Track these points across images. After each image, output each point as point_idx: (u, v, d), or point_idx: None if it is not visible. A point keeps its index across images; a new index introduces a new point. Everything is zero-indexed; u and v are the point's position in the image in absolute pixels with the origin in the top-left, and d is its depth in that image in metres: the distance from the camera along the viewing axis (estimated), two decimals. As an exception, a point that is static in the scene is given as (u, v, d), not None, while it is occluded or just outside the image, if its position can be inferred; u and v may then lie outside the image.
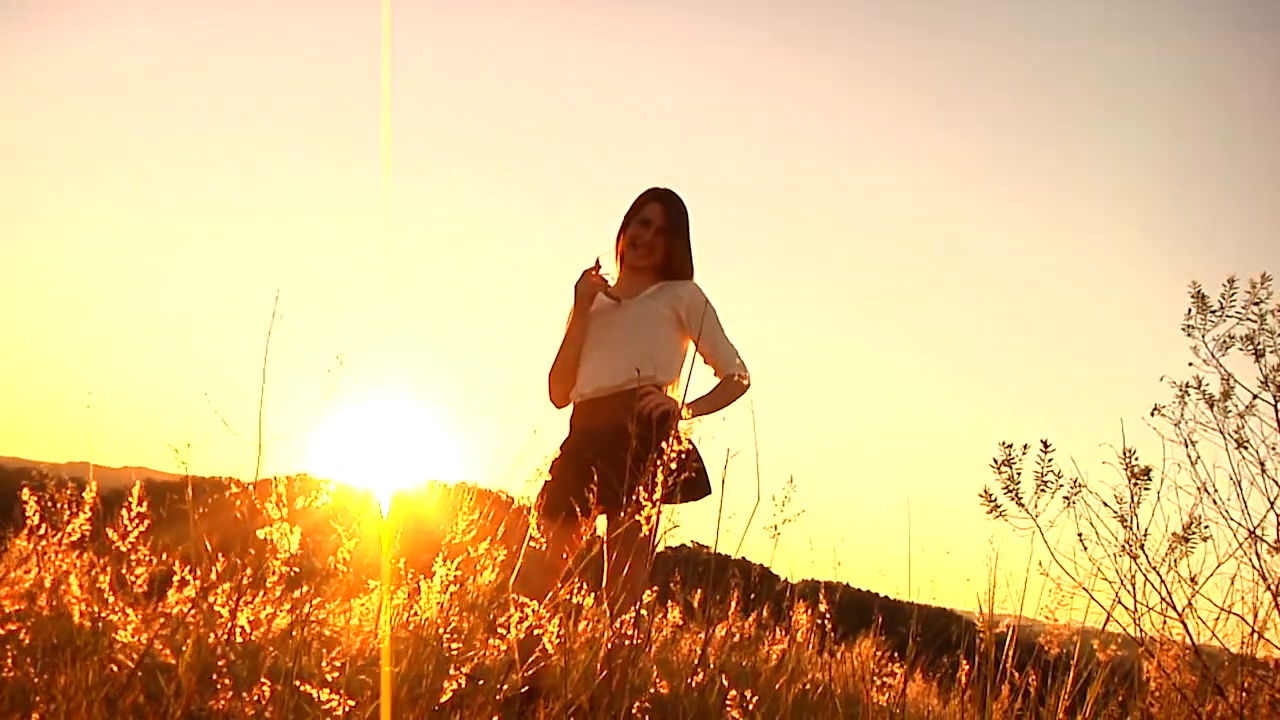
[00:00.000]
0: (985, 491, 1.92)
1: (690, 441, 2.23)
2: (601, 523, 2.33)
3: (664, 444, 1.88)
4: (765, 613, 3.10)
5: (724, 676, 1.93)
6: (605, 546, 2.14)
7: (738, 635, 2.83)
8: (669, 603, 3.23)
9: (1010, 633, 1.94)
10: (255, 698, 1.71)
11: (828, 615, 2.11)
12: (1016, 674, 2.00)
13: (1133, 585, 1.81)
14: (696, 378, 2.39)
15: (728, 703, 1.66)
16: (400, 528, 2.18)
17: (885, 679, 1.97)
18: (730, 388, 2.46)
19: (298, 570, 1.90)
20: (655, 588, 1.74)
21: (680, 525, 1.81)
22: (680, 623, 3.19)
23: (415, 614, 1.90)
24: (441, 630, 1.90)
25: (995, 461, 1.91)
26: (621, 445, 2.15)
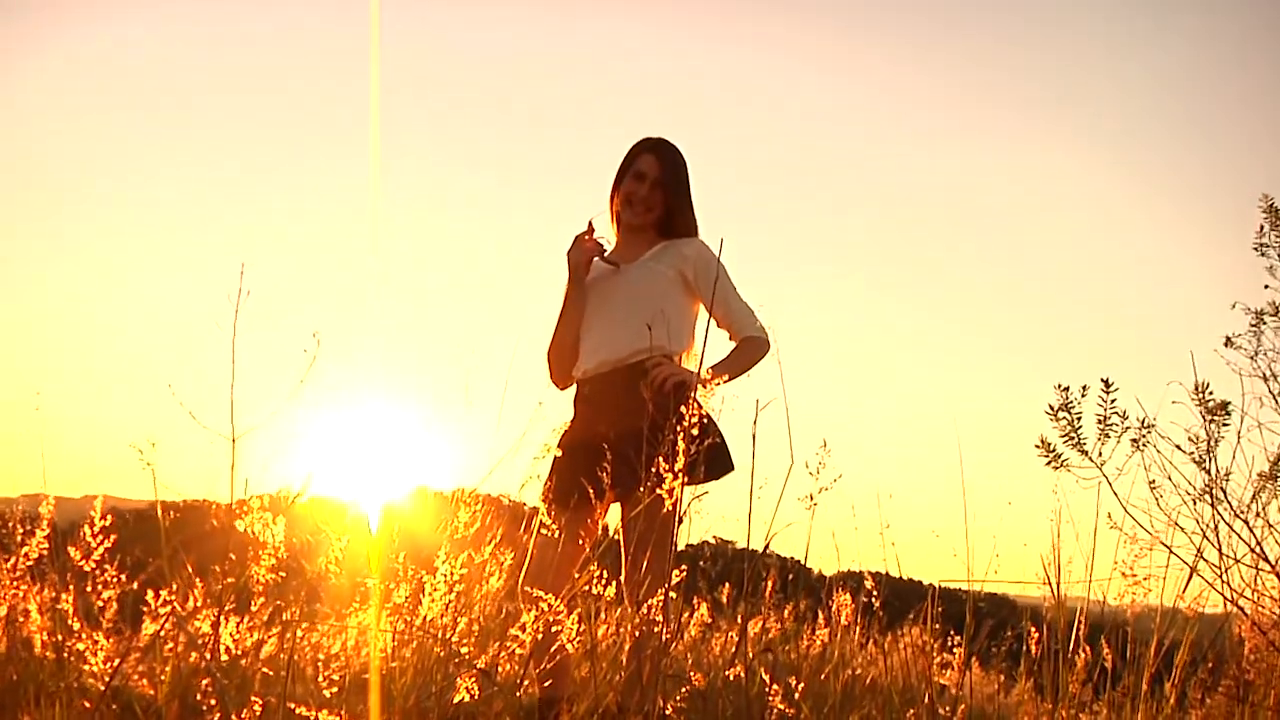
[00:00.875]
0: (1043, 441, 1.85)
1: (708, 415, 2.17)
2: (614, 512, 2.27)
3: (679, 417, 1.81)
4: (802, 605, 3.05)
5: (763, 670, 1.87)
6: (623, 530, 2.07)
7: (773, 630, 2.78)
8: (695, 599, 3.17)
9: (1080, 607, 1.87)
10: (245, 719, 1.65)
11: (875, 594, 2.04)
12: (1088, 648, 1.94)
13: (1216, 535, 1.74)
14: (713, 344, 2.33)
15: (770, 695, 1.59)
16: (392, 541, 2.12)
17: (945, 656, 1.90)
18: (752, 348, 2.39)
19: (284, 575, 1.83)
20: (684, 568, 1.68)
21: (709, 492, 1.74)
22: (709, 620, 3.14)
23: (419, 615, 1.83)
24: (449, 634, 1.83)
25: (1052, 407, 1.84)
26: (634, 421, 2.08)
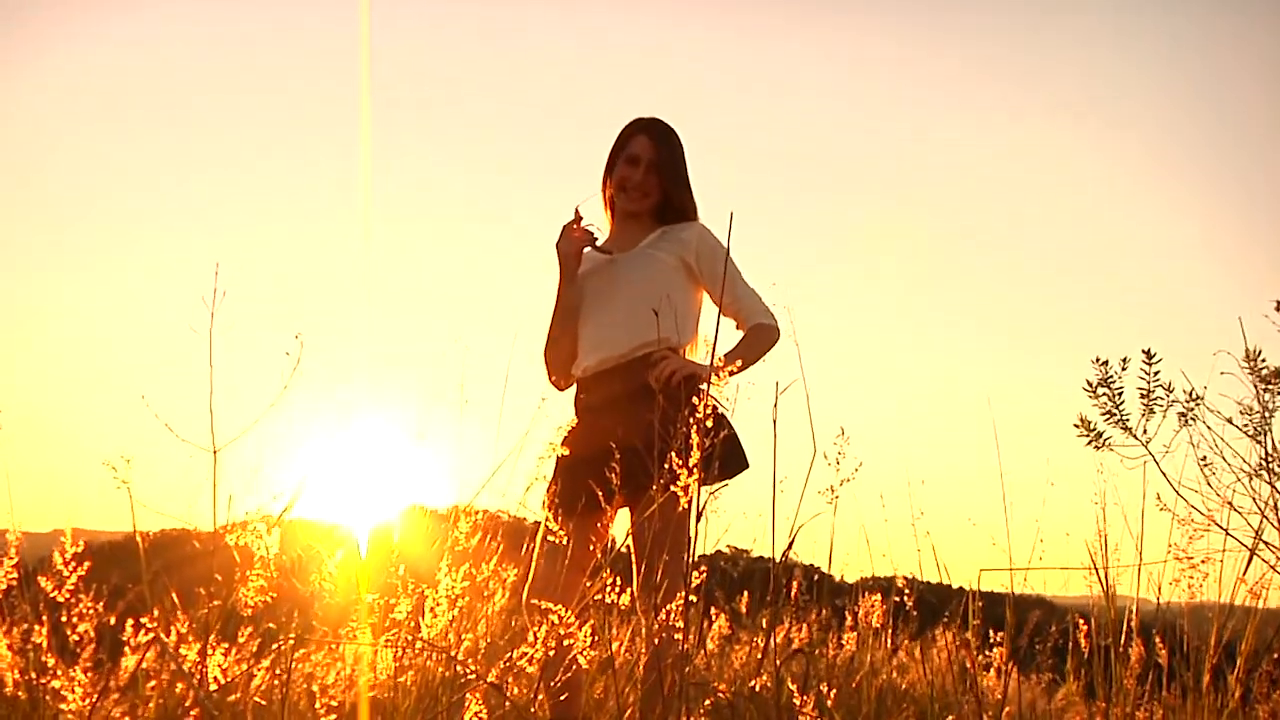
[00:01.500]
0: (1082, 419, 1.82)
1: (719, 410, 2.14)
2: (620, 517, 2.23)
3: (691, 410, 1.77)
4: (825, 613, 3.01)
5: (790, 679, 1.83)
6: (634, 533, 2.03)
7: (796, 640, 2.74)
8: (712, 610, 3.12)
9: (1130, 606, 1.83)
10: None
11: (907, 593, 2.00)
12: (1140, 641, 1.90)
13: (1276, 514, 1.71)
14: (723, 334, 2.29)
15: (798, 704, 1.55)
16: (390, 555, 2.08)
17: (986, 654, 1.86)
18: (763, 336, 2.36)
19: (274, 596, 1.79)
20: (704, 569, 1.64)
21: (728, 485, 1.70)
22: (728, 632, 3.09)
23: (421, 633, 1.78)
24: (454, 652, 1.79)
25: (1090, 383, 1.80)
26: (642, 417, 2.04)
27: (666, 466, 1.71)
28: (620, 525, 2.32)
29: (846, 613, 2.65)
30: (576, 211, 2.43)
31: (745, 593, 3.37)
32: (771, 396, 1.81)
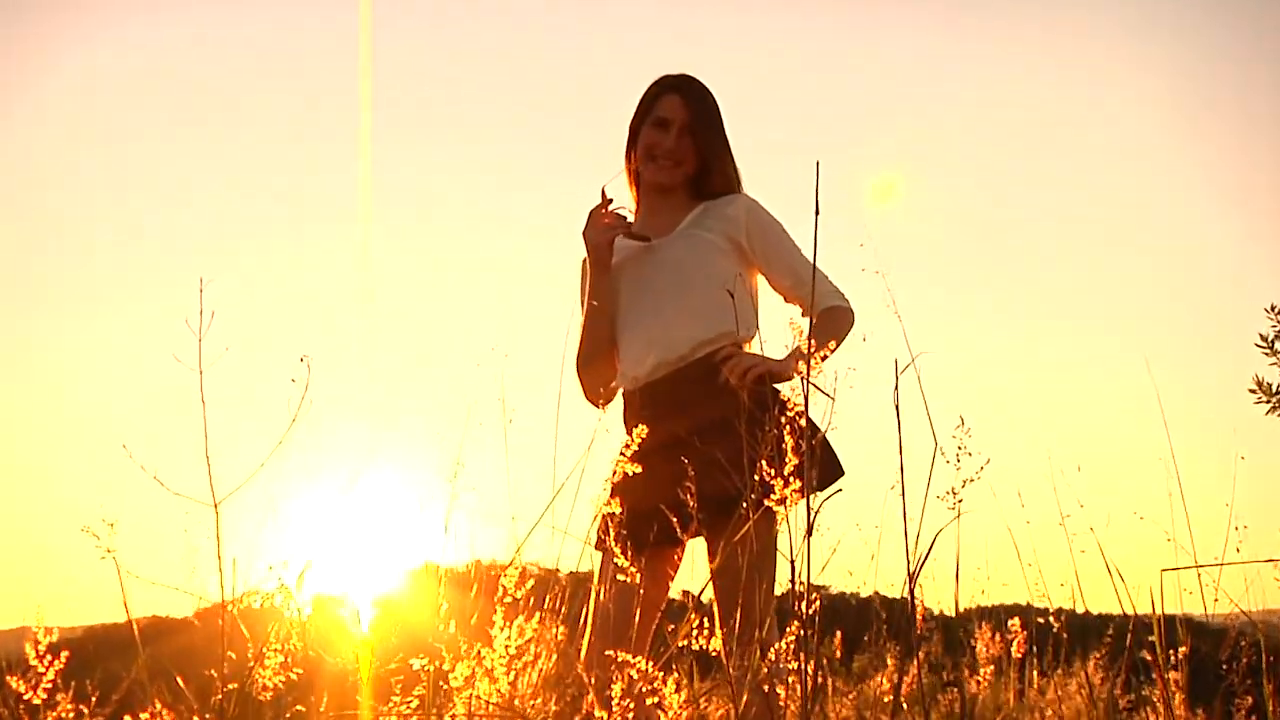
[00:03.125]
0: (1258, 381, 1.71)
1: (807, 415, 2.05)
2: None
3: (781, 408, 1.68)
4: (937, 651, 2.88)
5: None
6: (718, 560, 1.93)
7: (905, 685, 2.61)
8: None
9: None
10: None
11: (1054, 616, 1.88)
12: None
13: None
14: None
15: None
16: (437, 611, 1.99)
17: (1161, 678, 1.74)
18: (839, 320, 2.27)
19: (299, 674, 1.70)
20: (816, 597, 1.54)
21: (842, 488, 1.60)
22: (819, 681, 2.96)
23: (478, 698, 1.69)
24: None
25: (1264, 337, 1.70)
26: (726, 428, 1.94)
27: (758, 480, 1.61)
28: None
29: (977, 641, 2.52)
30: (603, 194, 2.35)
31: (839, 633, 3.24)
32: (869, 385, 1.71)
